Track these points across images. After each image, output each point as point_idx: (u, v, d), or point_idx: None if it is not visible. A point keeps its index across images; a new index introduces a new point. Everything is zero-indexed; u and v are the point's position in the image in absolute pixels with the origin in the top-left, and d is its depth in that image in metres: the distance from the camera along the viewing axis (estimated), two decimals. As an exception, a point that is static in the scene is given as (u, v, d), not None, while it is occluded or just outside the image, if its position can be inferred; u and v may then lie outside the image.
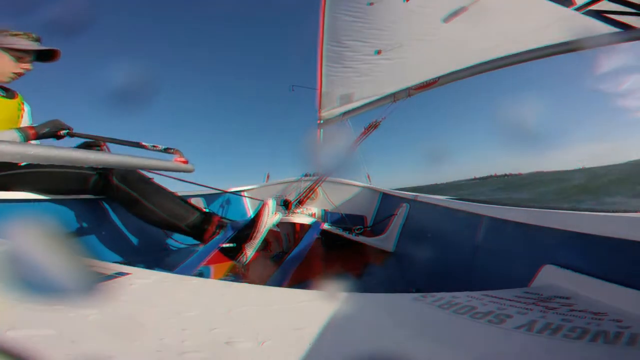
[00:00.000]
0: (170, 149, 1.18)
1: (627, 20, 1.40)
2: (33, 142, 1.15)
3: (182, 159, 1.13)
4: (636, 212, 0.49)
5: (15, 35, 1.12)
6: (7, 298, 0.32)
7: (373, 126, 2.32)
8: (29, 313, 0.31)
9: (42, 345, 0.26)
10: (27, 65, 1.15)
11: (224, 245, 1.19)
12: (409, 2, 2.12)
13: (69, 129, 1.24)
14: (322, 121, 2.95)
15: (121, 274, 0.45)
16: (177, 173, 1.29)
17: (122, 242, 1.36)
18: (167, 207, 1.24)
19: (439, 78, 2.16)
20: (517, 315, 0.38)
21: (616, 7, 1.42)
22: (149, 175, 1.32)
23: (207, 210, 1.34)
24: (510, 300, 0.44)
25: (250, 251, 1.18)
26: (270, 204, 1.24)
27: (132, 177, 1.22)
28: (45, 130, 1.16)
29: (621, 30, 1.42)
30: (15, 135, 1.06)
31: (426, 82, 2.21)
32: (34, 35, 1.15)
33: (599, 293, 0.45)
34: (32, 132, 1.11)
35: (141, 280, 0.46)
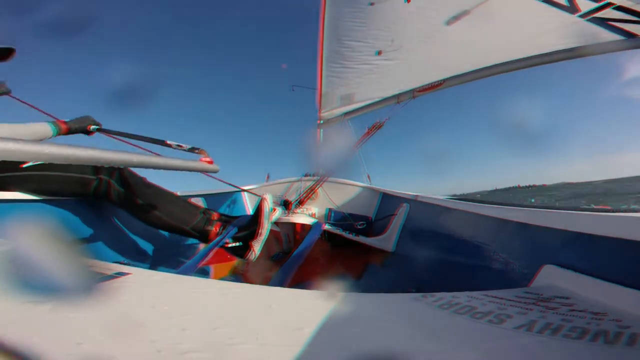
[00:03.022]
0: (196, 148, 1.17)
1: (631, 28, 1.41)
2: (63, 136, 1.20)
3: (208, 159, 1.12)
4: (636, 212, 0.49)
5: None
6: (9, 298, 0.32)
7: (376, 127, 2.31)
8: (30, 313, 0.31)
9: (43, 345, 0.26)
10: None
11: (230, 245, 1.18)
12: (410, 3, 2.11)
13: (98, 124, 1.25)
14: (322, 121, 2.95)
15: (121, 274, 0.45)
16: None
17: (122, 242, 1.35)
18: (170, 211, 1.22)
19: (443, 80, 2.14)
20: (517, 315, 0.38)
21: (621, 15, 1.43)
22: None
23: (205, 207, 1.34)
24: (510, 300, 0.44)
25: (258, 247, 1.18)
26: (269, 197, 1.24)
27: (133, 181, 1.20)
28: (77, 125, 1.20)
29: (625, 38, 1.43)
30: (48, 128, 1.09)
31: (431, 84, 2.19)
32: None
33: (599, 293, 0.45)
34: (64, 126, 1.14)
35: (141, 280, 0.46)
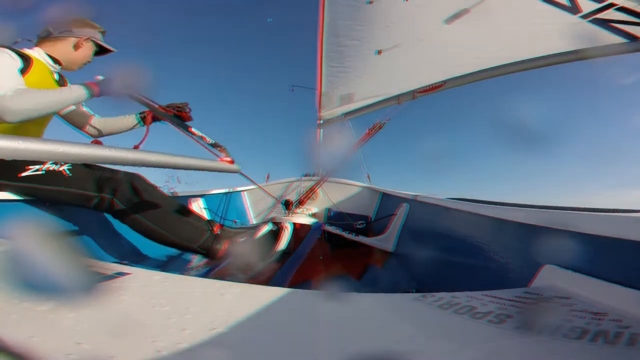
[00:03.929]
0: (218, 145, 1.10)
1: (633, 30, 1.38)
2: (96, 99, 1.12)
3: (228, 159, 1.06)
4: (636, 212, 0.49)
5: (103, 32, 1.15)
6: (8, 298, 0.32)
7: (377, 128, 2.30)
8: (29, 313, 0.31)
9: (43, 345, 0.26)
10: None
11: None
12: (408, 1, 2.11)
13: None
14: (322, 121, 2.94)
15: (121, 274, 0.45)
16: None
17: (122, 242, 1.35)
18: (177, 230, 1.16)
19: (444, 82, 2.12)
20: (517, 315, 0.38)
21: (623, 16, 1.40)
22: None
23: (208, 219, 1.31)
24: (510, 300, 0.44)
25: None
26: (289, 227, 1.32)
27: (137, 199, 1.13)
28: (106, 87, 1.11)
29: (628, 40, 1.40)
30: (83, 92, 1.02)
31: (432, 85, 2.17)
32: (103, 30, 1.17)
33: (599, 293, 0.45)
34: (96, 88, 1.07)
35: (141, 280, 0.46)
